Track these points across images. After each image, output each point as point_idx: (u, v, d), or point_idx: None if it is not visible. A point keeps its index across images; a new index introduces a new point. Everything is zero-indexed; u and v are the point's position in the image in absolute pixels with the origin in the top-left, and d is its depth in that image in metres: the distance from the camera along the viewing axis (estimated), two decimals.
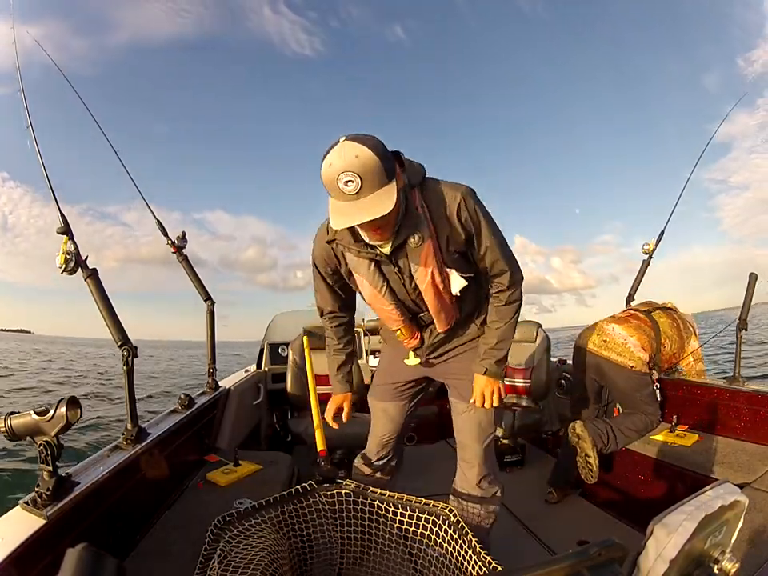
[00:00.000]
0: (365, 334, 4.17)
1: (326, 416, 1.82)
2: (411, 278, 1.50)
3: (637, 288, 3.20)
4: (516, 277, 1.56)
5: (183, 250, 2.52)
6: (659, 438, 2.41)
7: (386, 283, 1.53)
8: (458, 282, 1.53)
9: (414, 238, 1.42)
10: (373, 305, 1.65)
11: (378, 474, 1.93)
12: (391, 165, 1.27)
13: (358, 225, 1.30)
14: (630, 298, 3.19)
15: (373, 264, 1.50)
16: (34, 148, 1.70)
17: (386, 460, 1.93)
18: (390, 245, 1.44)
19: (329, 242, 1.54)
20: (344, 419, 1.84)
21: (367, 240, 1.43)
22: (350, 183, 1.20)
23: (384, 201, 1.23)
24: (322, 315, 1.81)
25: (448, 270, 1.50)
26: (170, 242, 2.48)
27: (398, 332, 1.68)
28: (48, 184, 1.67)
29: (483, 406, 1.63)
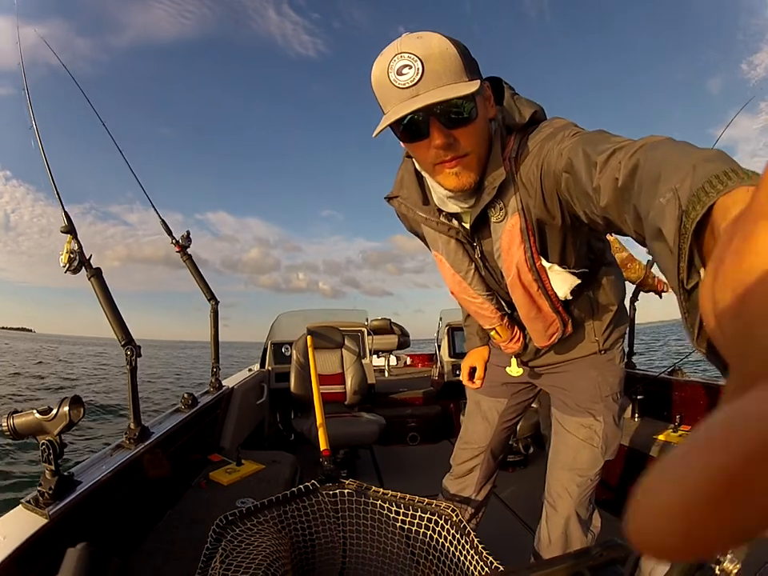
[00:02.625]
0: (368, 334, 4.17)
1: (462, 377, 1.58)
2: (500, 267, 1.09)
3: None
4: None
5: (187, 250, 2.53)
6: (662, 438, 2.40)
7: (473, 266, 1.14)
8: (564, 282, 1.06)
9: (494, 208, 0.99)
10: (456, 294, 1.25)
11: (464, 493, 1.56)
12: (473, 64, 0.85)
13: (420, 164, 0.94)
14: (633, 298, 3.18)
15: (453, 240, 1.11)
16: (38, 148, 1.71)
17: (474, 474, 1.56)
18: (471, 211, 1.01)
19: (388, 199, 1.16)
20: (477, 378, 1.55)
21: (440, 193, 1.01)
22: (405, 70, 0.79)
23: (457, 89, 0.80)
24: None
25: (547, 264, 1.03)
26: (174, 241, 2.49)
27: (493, 332, 1.27)
28: (52, 183, 1.68)
29: None
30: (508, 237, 1.00)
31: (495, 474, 1.60)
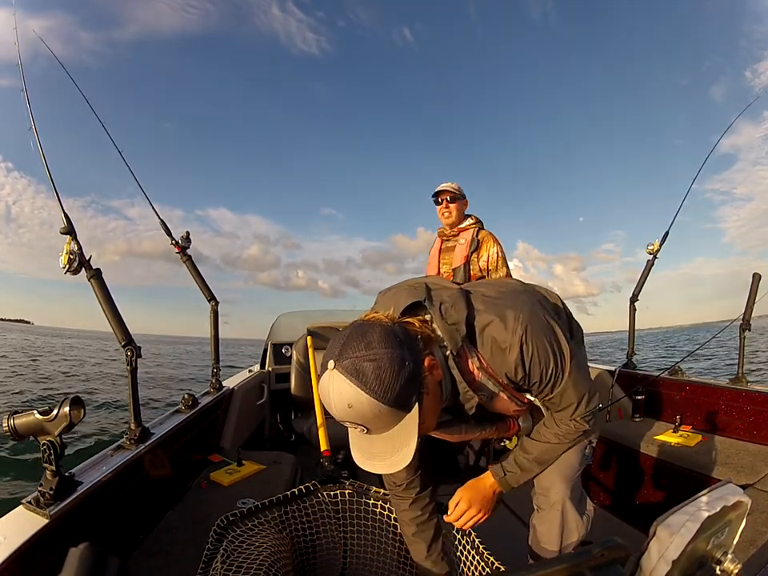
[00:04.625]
0: None
1: None
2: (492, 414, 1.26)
3: (641, 288, 3.20)
4: (592, 405, 1.19)
5: (187, 251, 2.52)
6: (662, 438, 2.40)
7: (463, 425, 1.26)
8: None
9: (480, 398, 1.13)
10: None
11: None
12: (407, 392, 0.92)
13: None
14: (633, 299, 3.18)
15: None
16: (38, 149, 1.71)
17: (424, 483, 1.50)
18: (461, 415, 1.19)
19: None
20: None
21: None
22: (354, 426, 0.94)
23: (400, 447, 0.96)
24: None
25: (531, 397, 1.22)
26: (173, 241, 2.48)
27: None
28: (51, 185, 1.68)
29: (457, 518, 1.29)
30: (500, 404, 1.19)
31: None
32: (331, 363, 0.91)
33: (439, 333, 1.06)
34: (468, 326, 1.07)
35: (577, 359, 1.14)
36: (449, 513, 1.31)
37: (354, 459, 1.02)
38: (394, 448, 0.96)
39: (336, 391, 0.90)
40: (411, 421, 0.94)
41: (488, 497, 1.29)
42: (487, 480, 1.30)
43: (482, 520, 1.29)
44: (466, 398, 1.11)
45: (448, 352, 1.06)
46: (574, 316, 1.42)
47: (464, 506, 1.28)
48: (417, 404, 0.95)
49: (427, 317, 1.08)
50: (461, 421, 1.22)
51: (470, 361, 1.10)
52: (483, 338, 1.08)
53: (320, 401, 1.81)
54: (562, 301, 1.40)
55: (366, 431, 0.94)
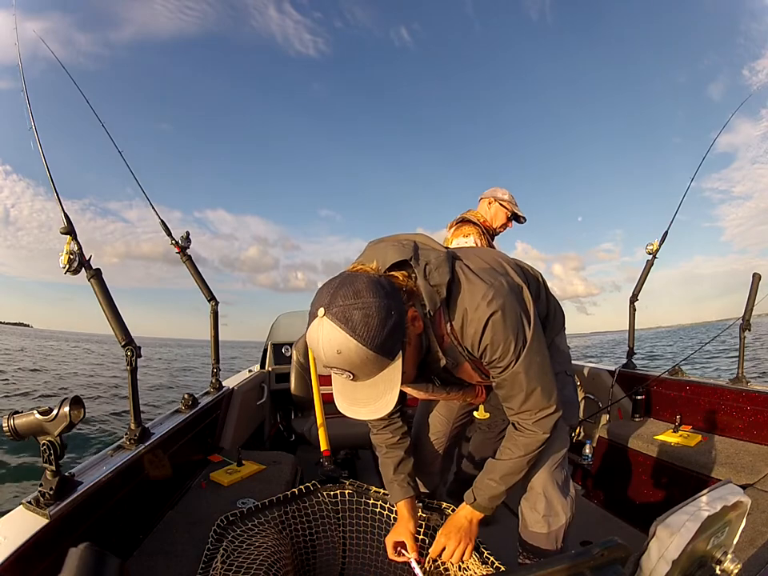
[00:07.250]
0: None
1: (389, 554, 1.39)
2: (459, 379, 1.29)
3: (640, 288, 3.19)
4: (547, 411, 1.17)
5: (187, 251, 2.51)
6: (662, 438, 2.40)
7: (431, 384, 1.31)
8: None
9: (446, 361, 1.16)
10: (425, 398, 1.48)
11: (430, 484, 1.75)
12: (392, 340, 0.96)
13: None
14: (633, 298, 3.18)
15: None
16: (38, 149, 1.71)
17: (437, 463, 1.74)
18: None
19: None
20: (411, 550, 1.35)
21: None
22: (340, 372, 0.96)
23: (383, 394, 0.99)
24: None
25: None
26: (173, 242, 2.47)
27: (466, 402, 1.55)
28: (51, 185, 1.68)
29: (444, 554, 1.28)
30: (466, 372, 1.23)
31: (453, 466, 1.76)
32: (321, 311, 0.93)
33: (421, 290, 1.08)
34: (447, 290, 1.09)
35: (540, 352, 1.14)
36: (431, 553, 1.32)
37: (338, 406, 1.05)
38: (378, 395, 0.99)
39: (326, 338, 0.92)
40: (395, 369, 0.98)
41: (464, 527, 1.29)
42: (461, 511, 1.31)
43: (466, 551, 1.28)
44: (435, 357, 1.14)
45: (426, 311, 1.08)
46: (554, 296, 1.45)
47: (441, 542, 1.29)
48: (400, 353, 0.98)
49: (412, 274, 1.10)
50: (428, 380, 1.27)
51: (443, 324, 1.11)
52: (457, 307, 1.09)
53: (320, 401, 1.82)
54: (543, 279, 1.43)
55: (351, 377, 0.96)
